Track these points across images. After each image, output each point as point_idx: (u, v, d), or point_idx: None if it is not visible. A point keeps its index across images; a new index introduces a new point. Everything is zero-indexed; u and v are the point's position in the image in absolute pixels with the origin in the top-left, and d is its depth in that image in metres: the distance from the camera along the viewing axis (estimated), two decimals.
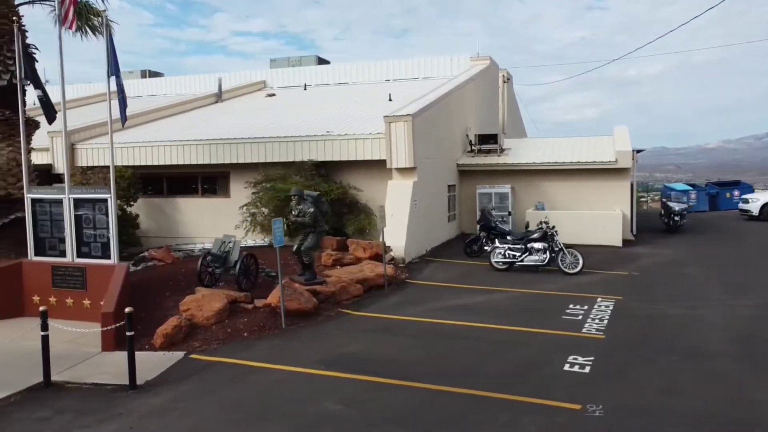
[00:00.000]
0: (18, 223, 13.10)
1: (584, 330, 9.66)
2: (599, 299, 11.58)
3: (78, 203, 11.14)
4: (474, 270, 14.66)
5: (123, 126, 11.47)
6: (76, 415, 6.97)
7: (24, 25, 12.78)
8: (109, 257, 11.02)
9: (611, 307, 11.02)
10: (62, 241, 11.36)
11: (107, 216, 10.96)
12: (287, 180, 16.47)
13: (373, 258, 14.03)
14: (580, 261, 13.90)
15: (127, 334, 7.75)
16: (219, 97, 26.80)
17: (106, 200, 10.95)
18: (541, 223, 14.77)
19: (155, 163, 18.79)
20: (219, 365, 8.47)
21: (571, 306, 11.13)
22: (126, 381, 7.90)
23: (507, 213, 19.69)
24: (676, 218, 21.63)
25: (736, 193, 31.86)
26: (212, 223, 18.30)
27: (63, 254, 11.33)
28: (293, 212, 11.53)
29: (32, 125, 13.58)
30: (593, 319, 10.25)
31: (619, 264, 15.22)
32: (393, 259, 14.71)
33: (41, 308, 8.11)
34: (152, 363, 8.70)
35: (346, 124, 18.24)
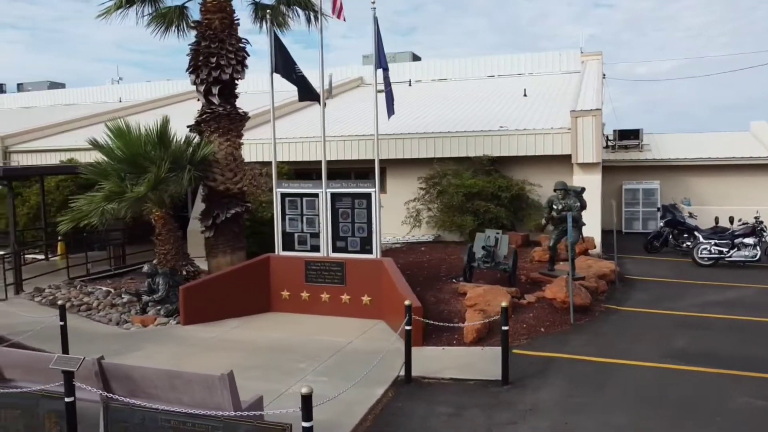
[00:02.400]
0: (235, 218, 13.05)
1: None
2: None
3: (335, 198, 11.04)
4: (679, 266, 14.45)
5: (389, 119, 11.36)
6: (482, 410, 6.82)
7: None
8: (369, 252, 10.89)
9: None
10: (314, 236, 11.24)
11: (368, 210, 10.84)
12: (461, 176, 16.32)
13: (580, 253, 13.83)
14: None
15: (503, 328, 7.60)
16: (330, 93, 26.64)
17: (369, 194, 10.83)
18: (738, 220, 14.56)
19: (307, 158, 18.68)
20: (558, 360, 8.32)
21: None
22: (476, 376, 7.81)
23: (656, 209, 19.47)
24: None
25: None
26: None
27: (314, 249, 11.21)
28: (555, 206, 11.37)
29: (244, 119, 13.48)
30: None
31: None
32: (589, 254, 14.53)
33: (406, 303, 7.95)
34: (482, 358, 8.56)
35: (496, 119, 18.10)
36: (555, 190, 11.47)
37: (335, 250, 11.08)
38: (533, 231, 16.17)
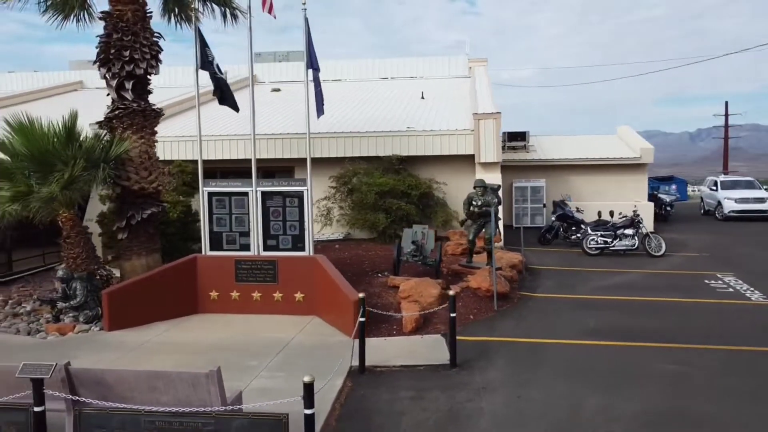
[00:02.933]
0: (150, 219, 12.58)
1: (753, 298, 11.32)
2: (719, 275, 13.36)
3: (266, 196, 11.05)
4: (569, 256, 15.97)
5: (318, 118, 11.39)
6: (441, 391, 7.32)
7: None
8: (301, 249, 11.02)
9: (740, 281, 12.79)
10: (243, 234, 11.17)
11: (300, 208, 10.98)
12: (372, 175, 16.82)
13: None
14: (663, 244, 15.69)
15: (451, 315, 8.14)
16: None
17: (301, 193, 10.97)
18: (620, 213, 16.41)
19: (211, 157, 18.25)
20: (493, 344, 9.04)
21: (706, 281, 12.78)
22: (424, 362, 8.33)
23: (542, 205, 21.23)
24: (668, 208, 24.37)
25: (674, 187, 35.92)
26: None
27: (243, 248, 11.14)
28: (475, 202, 12.14)
29: (159, 115, 12.99)
30: (744, 290, 11.95)
31: (679, 247, 17.21)
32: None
33: (359, 295, 8.24)
34: (424, 345, 9.07)
35: (401, 120, 18.86)
36: (475, 188, 12.30)
37: (266, 248, 11.09)
38: (440, 227, 17.05)
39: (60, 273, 10.71)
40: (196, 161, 17.88)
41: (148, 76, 12.63)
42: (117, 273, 12.64)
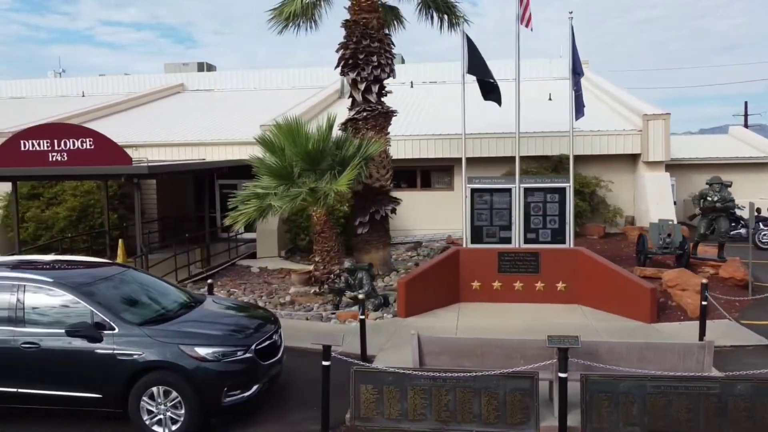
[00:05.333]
0: (386, 214, 13.36)
1: None
2: None
3: (527, 192, 11.78)
4: (741, 250, 16.66)
5: (576, 120, 12.08)
6: None
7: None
8: (562, 242, 11.74)
9: None
10: (503, 228, 11.90)
11: (561, 203, 11.70)
12: (541, 174, 17.53)
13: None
14: None
15: (702, 303, 8.86)
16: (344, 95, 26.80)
17: (564, 189, 11.71)
18: None
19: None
20: None
21: None
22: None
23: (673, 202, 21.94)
24: None
25: None
26: (431, 216, 18.92)
27: (503, 241, 11.87)
28: (710, 198, 12.87)
29: (392, 117, 13.75)
30: None
31: None
32: None
33: (650, 286, 8.97)
34: (732, 328, 9.77)
35: (545, 121, 19.59)
36: (710, 184, 13.03)
37: (526, 241, 11.83)
38: (608, 224, 17.77)
39: (347, 264, 11.48)
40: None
41: (385, 79, 13.42)
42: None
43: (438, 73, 29.10)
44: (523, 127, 18.80)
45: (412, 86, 28.67)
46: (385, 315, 11.00)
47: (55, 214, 18.43)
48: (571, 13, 11.47)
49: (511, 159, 18.16)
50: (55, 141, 12.52)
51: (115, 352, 6.34)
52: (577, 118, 12.09)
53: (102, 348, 6.36)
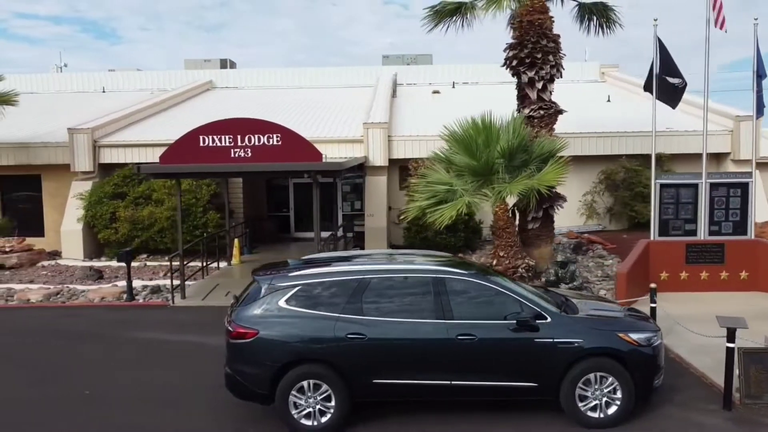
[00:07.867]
0: (553, 210, 13.79)
1: None
2: None
3: (713, 187, 12.49)
4: None
5: (757, 117, 12.82)
6: None
7: None
8: (743, 234, 12.53)
9: None
10: (687, 221, 12.57)
11: (743, 198, 12.48)
12: (642, 173, 18.42)
13: None
14: None
15: None
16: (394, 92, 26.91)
17: (746, 184, 12.49)
18: None
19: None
20: None
21: None
22: None
23: None
24: None
25: None
26: None
27: (687, 233, 12.53)
28: None
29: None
30: None
31: None
32: None
33: None
34: None
35: (638, 122, 20.60)
36: None
37: (710, 234, 12.54)
38: None
39: (560, 258, 11.79)
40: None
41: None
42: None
43: (464, 74, 29.80)
44: (604, 128, 19.96)
45: (453, 86, 29.21)
46: None
47: (153, 213, 17.68)
48: (756, 19, 12.25)
49: (605, 158, 19.22)
50: (239, 137, 12.15)
51: (556, 340, 6.45)
52: (757, 117, 12.89)
53: (540, 337, 6.47)
